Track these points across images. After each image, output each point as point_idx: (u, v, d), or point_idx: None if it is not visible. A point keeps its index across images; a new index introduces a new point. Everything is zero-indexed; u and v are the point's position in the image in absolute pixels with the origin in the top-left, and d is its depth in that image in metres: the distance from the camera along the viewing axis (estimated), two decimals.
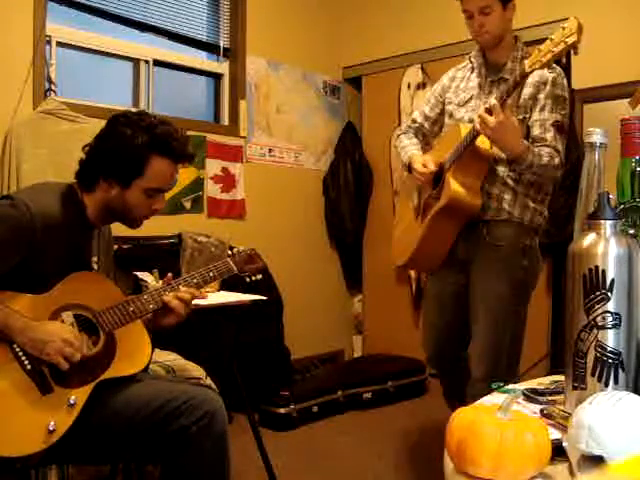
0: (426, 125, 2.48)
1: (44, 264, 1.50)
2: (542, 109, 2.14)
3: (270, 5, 4.14)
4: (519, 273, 2.17)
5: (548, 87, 2.14)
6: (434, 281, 2.45)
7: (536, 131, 2.14)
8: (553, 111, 2.14)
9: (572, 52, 1.91)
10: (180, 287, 1.66)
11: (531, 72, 1.93)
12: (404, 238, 2.47)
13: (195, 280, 1.69)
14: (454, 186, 2.12)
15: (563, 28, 1.82)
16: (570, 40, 1.80)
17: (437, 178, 2.24)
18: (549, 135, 2.12)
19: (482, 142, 2.11)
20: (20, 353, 1.43)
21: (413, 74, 4.20)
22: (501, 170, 2.18)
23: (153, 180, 1.59)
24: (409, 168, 2.37)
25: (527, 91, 2.17)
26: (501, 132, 1.98)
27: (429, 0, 4.12)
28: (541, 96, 2.14)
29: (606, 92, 3.27)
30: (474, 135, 2.07)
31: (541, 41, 3.77)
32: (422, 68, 4.14)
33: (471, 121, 2.14)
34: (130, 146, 1.56)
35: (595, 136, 1.07)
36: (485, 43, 2.23)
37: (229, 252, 1.82)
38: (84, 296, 1.55)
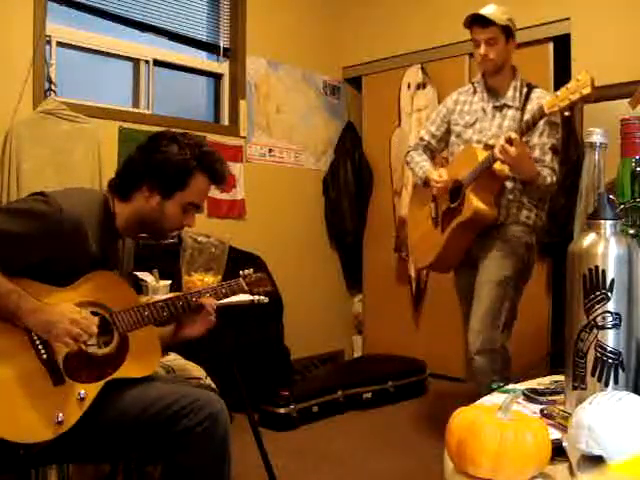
0: (433, 142, 2.89)
1: (65, 265, 1.51)
2: (541, 134, 2.57)
3: (270, 5, 4.14)
4: (520, 263, 2.61)
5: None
6: (457, 274, 2.87)
7: (537, 153, 2.56)
8: (550, 136, 2.57)
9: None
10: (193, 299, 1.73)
11: (550, 114, 2.33)
12: (423, 244, 2.88)
13: (208, 294, 1.76)
14: (476, 202, 2.53)
15: (578, 80, 2.19)
16: (585, 91, 2.17)
17: (453, 193, 2.63)
18: (547, 157, 2.56)
19: (498, 165, 2.50)
20: (37, 342, 1.44)
21: (413, 74, 4.19)
22: (509, 184, 2.60)
23: (193, 195, 1.66)
24: (424, 182, 2.77)
25: (527, 117, 2.51)
26: (519, 161, 2.40)
27: (429, 0, 4.12)
28: (540, 122, 2.49)
29: (606, 92, 3.26)
30: (493, 160, 2.45)
31: (542, 41, 3.78)
32: (422, 68, 4.13)
33: (479, 142, 2.63)
34: (178, 159, 1.62)
35: (595, 136, 1.07)
36: (487, 69, 2.65)
37: (241, 272, 1.88)
38: (103, 295, 1.57)
